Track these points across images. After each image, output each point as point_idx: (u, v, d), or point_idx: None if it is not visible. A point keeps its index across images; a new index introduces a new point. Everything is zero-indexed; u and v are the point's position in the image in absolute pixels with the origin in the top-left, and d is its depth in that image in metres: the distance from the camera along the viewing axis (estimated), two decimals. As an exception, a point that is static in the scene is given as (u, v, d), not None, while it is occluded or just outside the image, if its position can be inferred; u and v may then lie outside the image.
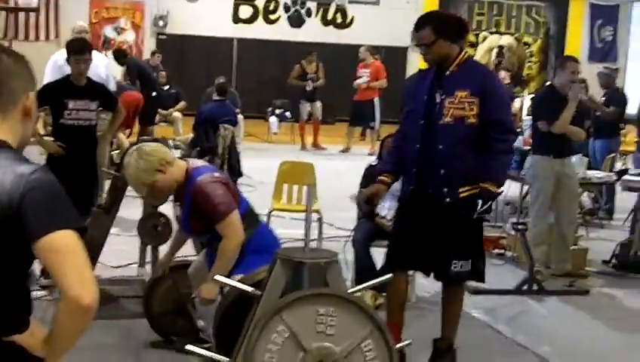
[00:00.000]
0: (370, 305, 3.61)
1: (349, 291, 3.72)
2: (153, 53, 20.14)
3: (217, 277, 4.24)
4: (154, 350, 6.14)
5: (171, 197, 5.52)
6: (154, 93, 15.74)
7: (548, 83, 9.02)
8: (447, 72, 5.63)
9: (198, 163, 5.54)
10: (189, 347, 3.76)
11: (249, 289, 3.84)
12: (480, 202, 5.54)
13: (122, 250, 8.37)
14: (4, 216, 2.57)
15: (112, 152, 12.15)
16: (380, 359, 3.49)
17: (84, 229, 2.65)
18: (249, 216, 5.43)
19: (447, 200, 5.56)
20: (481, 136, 5.55)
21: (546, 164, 8.72)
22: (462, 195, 5.56)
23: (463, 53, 5.73)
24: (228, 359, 3.68)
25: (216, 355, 3.71)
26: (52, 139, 7.76)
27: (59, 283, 2.53)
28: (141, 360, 6.01)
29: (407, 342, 4.16)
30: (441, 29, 5.63)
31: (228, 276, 4.98)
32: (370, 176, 7.32)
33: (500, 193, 5.81)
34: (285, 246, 9.00)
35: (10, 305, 2.72)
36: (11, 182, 2.58)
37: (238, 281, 4.18)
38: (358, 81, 19.04)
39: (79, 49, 7.67)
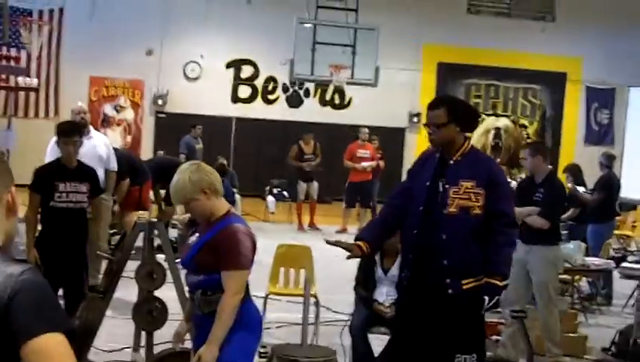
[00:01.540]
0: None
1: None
2: (193, 126, 20.84)
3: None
4: None
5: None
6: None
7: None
8: (452, 161, 5.60)
9: (239, 217, 5.50)
10: None
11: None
12: (487, 298, 5.47)
13: (116, 334, 8.28)
14: None
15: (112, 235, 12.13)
16: None
17: (72, 332, 2.58)
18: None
19: (450, 291, 5.48)
20: (484, 228, 5.49)
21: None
22: (465, 287, 5.48)
23: (466, 143, 5.71)
24: None
25: None
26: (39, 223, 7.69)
27: None
28: None
29: None
30: (455, 113, 5.62)
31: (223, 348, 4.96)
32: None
33: (505, 286, 5.72)
34: (282, 329, 9.03)
35: None
36: (0, 283, 2.52)
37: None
38: (365, 164, 19.08)
39: (68, 131, 7.71)
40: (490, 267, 5.50)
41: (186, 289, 5.56)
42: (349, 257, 5.83)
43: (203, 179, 5.16)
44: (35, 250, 7.49)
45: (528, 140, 24.62)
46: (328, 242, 5.70)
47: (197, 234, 5.40)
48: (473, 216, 5.49)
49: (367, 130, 19.76)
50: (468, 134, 5.85)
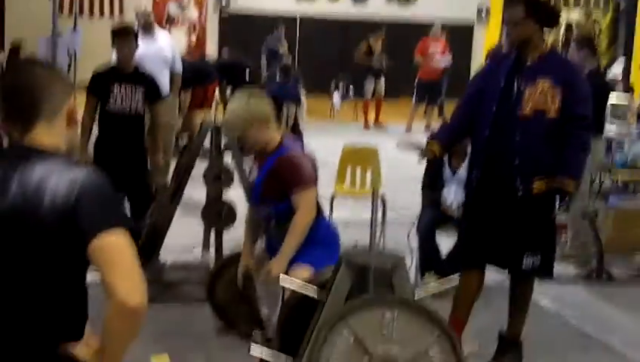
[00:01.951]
0: (436, 311, 3.50)
1: (417, 293, 3.63)
2: (276, 27, 20.53)
3: (283, 276, 4.18)
4: (216, 336, 6.14)
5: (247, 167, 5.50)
6: (248, 73, 15.74)
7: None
8: (528, 62, 5.47)
9: (294, 141, 5.54)
10: (253, 347, 3.71)
11: (314, 293, 3.77)
12: (558, 199, 5.41)
13: (186, 234, 8.37)
14: (61, 220, 2.62)
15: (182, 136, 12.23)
16: (447, 364, 3.41)
17: (136, 230, 2.65)
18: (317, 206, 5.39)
19: (520, 193, 5.42)
20: (559, 130, 5.39)
21: None
22: (535, 189, 5.41)
23: (545, 43, 5.57)
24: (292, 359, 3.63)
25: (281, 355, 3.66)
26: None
27: (107, 284, 2.55)
28: (203, 345, 6.00)
29: (474, 347, 4.05)
30: (533, 9, 5.45)
31: (294, 263, 4.96)
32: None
33: (577, 189, 5.64)
34: (350, 229, 9.05)
35: (66, 314, 2.74)
36: (66, 187, 2.63)
37: (304, 283, 4.10)
38: (440, 58, 18.75)
39: (122, 33, 7.61)
40: (563, 169, 5.41)
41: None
42: (420, 159, 5.80)
43: (254, 109, 5.21)
44: (87, 153, 7.47)
45: (600, 34, 24.13)
46: (400, 145, 5.65)
47: (256, 171, 5.44)
48: (548, 120, 5.37)
49: (439, 24, 19.30)
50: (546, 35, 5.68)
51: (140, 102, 7.55)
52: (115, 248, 2.57)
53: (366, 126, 18.93)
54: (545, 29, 5.63)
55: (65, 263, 2.68)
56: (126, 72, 7.54)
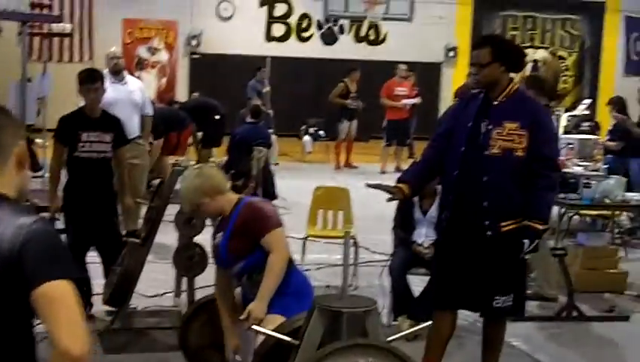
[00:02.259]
0: (408, 356, 3.51)
1: (389, 339, 3.64)
2: (258, 69, 19.90)
3: (255, 327, 4.18)
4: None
5: (211, 225, 5.53)
6: (217, 117, 15.72)
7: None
8: (495, 102, 5.53)
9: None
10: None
11: (287, 338, 3.78)
12: (527, 242, 5.45)
13: (158, 279, 8.35)
14: (5, 267, 2.61)
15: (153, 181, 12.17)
16: (420, 411, 3.42)
17: (81, 280, 2.67)
18: None
19: (489, 233, 5.46)
20: (527, 169, 5.45)
21: None
22: (504, 229, 5.46)
23: (512, 83, 5.64)
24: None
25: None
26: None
27: (50, 333, 2.55)
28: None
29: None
30: (500, 52, 5.53)
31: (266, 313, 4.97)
32: None
33: (546, 230, 5.69)
34: (322, 271, 9.07)
35: (15, 357, 2.73)
36: (12, 234, 2.63)
37: (276, 328, 4.11)
38: (407, 101, 18.89)
39: (88, 79, 7.50)
40: (531, 210, 5.46)
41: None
42: (389, 199, 5.82)
43: (204, 183, 5.31)
44: (58, 200, 7.44)
45: (566, 72, 24.39)
46: (370, 185, 5.69)
47: (219, 234, 5.45)
48: (515, 158, 5.43)
49: (405, 66, 19.47)
50: (512, 75, 5.76)
51: (109, 148, 7.50)
52: (57, 298, 2.57)
53: (337, 167, 18.97)
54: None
55: (10, 310, 2.67)
56: (94, 117, 7.47)
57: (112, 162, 7.60)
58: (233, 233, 5.28)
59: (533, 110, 5.61)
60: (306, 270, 8.82)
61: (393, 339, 3.81)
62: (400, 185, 5.79)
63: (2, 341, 2.70)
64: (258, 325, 4.71)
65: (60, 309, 2.56)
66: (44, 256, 2.61)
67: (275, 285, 5.11)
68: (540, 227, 5.47)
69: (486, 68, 5.51)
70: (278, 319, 4.97)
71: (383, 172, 18.53)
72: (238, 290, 5.65)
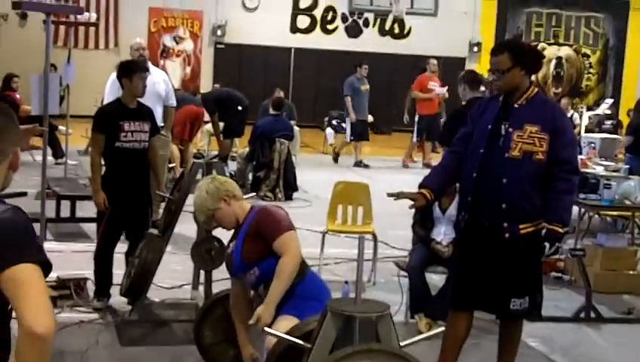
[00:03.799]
0: (416, 358, 3.51)
1: (402, 344, 3.65)
2: (359, 65, 18.58)
3: (267, 330, 4.20)
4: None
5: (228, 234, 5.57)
6: (240, 108, 15.74)
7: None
8: (516, 105, 5.53)
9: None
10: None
11: (299, 341, 3.79)
12: (547, 245, 5.43)
13: (176, 270, 8.38)
14: None
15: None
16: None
17: (48, 265, 2.78)
18: (301, 262, 5.40)
19: (507, 235, 5.46)
20: (546, 172, 5.44)
21: None
22: (522, 232, 5.45)
23: (532, 87, 5.63)
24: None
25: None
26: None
27: (17, 313, 2.66)
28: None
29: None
30: (518, 57, 5.52)
31: (279, 313, 4.97)
32: None
33: (566, 233, 5.67)
34: (341, 266, 9.08)
35: None
36: None
37: (289, 331, 4.13)
38: (440, 90, 18.51)
39: (142, 67, 7.72)
40: (551, 214, 5.45)
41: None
42: (412, 206, 5.82)
43: (219, 188, 5.39)
44: (102, 193, 7.49)
45: (590, 70, 24.28)
46: (390, 195, 5.68)
47: (232, 243, 5.51)
48: (536, 161, 5.42)
49: (435, 61, 19.22)
50: (533, 77, 5.75)
51: (147, 137, 7.58)
52: (23, 281, 2.67)
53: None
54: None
55: None
56: (132, 107, 7.55)
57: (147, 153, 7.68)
58: (246, 238, 5.33)
59: (554, 113, 5.60)
60: (325, 264, 8.89)
61: (406, 345, 3.81)
62: (422, 190, 5.78)
63: None
64: (269, 327, 4.72)
65: (26, 291, 2.67)
66: (10, 243, 2.72)
67: (284, 288, 5.12)
68: (560, 230, 5.45)
69: (507, 74, 5.50)
70: (292, 321, 4.99)
71: (406, 166, 18.46)
72: None
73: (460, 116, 9.36)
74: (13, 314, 2.82)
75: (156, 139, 7.90)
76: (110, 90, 9.61)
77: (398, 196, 5.67)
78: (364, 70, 18.31)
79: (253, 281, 5.39)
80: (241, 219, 5.41)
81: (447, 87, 18.37)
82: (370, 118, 18.81)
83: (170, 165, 12.58)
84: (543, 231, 5.43)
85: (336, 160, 18.47)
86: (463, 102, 8.78)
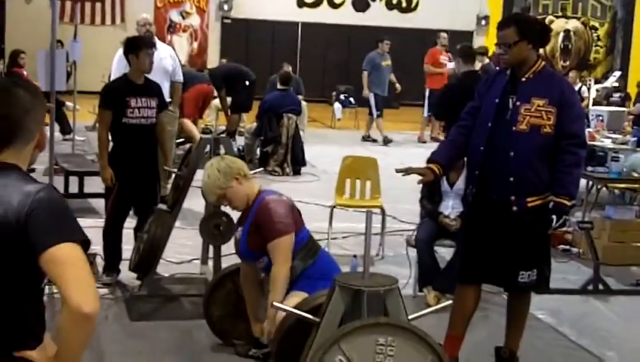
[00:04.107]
0: (429, 335, 3.52)
1: (410, 317, 3.65)
2: (381, 41, 18.25)
3: (276, 304, 4.22)
4: (213, 353, 6.12)
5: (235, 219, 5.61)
6: (247, 83, 15.71)
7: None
8: (524, 79, 5.52)
9: (270, 190, 5.68)
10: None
11: (308, 316, 3.80)
12: (554, 218, 5.44)
13: (185, 245, 8.41)
14: (13, 233, 2.72)
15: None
16: (439, 389, 3.44)
17: (88, 242, 2.78)
18: (310, 245, 5.51)
19: (515, 208, 5.46)
20: (553, 147, 5.44)
21: None
22: (529, 205, 5.45)
23: (539, 60, 5.61)
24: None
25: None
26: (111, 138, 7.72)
27: (61, 293, 2.65)
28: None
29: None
30: (525, 30, 5.50)
31: (290, 290, 5.06)
32: None
33: (573, 206, 5.66)
34: (349, 239, 9.09)
35: (23, 320, 2.83)
36: (19, 201, 2.74)
37: (297, 306, 4.14)
38: (451, 65, 18.16)
39: (148, 43, 7.67)
40: (558, 187, 5.44)
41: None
42: (420, 181, 5.81)
43: (230, 166, 5.44)
44: (110, 169, 7.50)
45: (598, 43, 24.17)
46: (399, 170, 5.67)
47: (240, 228, 5.57)
48: (543, 135, 5.40)
49: (446, 35, 19.08)
50: (541, 51, 5.73)
51: (154, 113, 7.57)
52: (65, 260, 2.67)
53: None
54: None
55: (18, 273, 2.77)
56: (139, 83, 7.55)
57: (155, 129, 7.67)
58: (250, 229, 5.41)
59: (562, 87, 5.58)
60: (333, 239, 8.91)
61: (414, 318, 3.82)
62: (430, 165, 5.78)
63: (11, 300, 2.80)
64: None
65: (70, 270, 2.67)
66: (49, 222, 2.72)
67: (281, 296, 5.18)
68: (567, 203, 5.45)
69: (514, 47, 5.49)
70: (302, 296, 5.02)
71: (423, 141, 18.35)
72: None
73: (450, 92, 9.51)
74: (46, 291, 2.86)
75: (164, 115, 7.90)
76: (117, 66, 9.62)
77: (407, 171, 5.66)
78: (385, 45, 18.17)
79: (262, 267, 5.49)
80: (251, 199, 5.45)
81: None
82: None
83: (178, 140, 12.57)
84: (551, 204, 5.43)
85: (368, 138, 18.42)
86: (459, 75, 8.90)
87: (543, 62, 5.70)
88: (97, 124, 8.54)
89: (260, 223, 5.32)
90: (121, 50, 9.07)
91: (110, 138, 7.64)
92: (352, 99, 20.60)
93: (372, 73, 17.78)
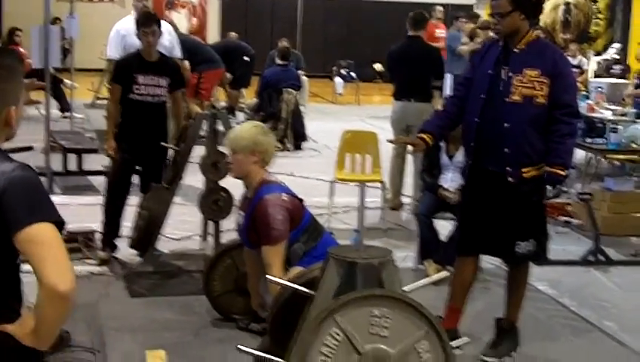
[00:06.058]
0: (424, 306, 3.52)
1: (406, 288, 3.65)
2: (456, 18, 16.66)
3: (271, 278, 4.23)
4: (214, 328, 6.15)
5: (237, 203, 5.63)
6: (246, 58, 15.63)
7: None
8: (516, 50, 5.51)
9: (274, 178, 5.60)
10: (242, 348, 3.76)
11: (302, 289, 3.81)
12: (549, 188, 5.45)
13: (185, 221, 8.42)
14: None
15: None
16: (435, 360, 3.44)
17: (62, 223, 2.76)
18: (312, 228, 5.54)
19: (510, 179, 5.47)
20: (547, 118, 5.44)
21: None
22: (525, 175, 5.46)
23: (531, 31, 5.60)
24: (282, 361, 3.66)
25: (270, 357, 3.70)
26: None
27: (37, 272, 2.65)
28: (201, 338, 6.00)
29: (464, 341, 4.07)
30: (518, 1, 5.49)
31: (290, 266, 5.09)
32: None
33: (567, 176, 5.67)
34: (349, 213, 9.10)
35: (1, 295, 2.84)
36: None
37: (292, 278, 4.15)
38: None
39: (145, 21, 7.56)
40: (553, 156, 5.45)
41: None
42: (413, 151, 5.83)
43: (262, 143, 5.47)
44: (113, 141, 7.49)
45: (598, 15, 24.07)
46: (390, 141, 5.68)
47: (242, 217, 5.61)
48: (537, 105, 5.41)
49: (441, 8, 19.05)
50: (541, 24, 5.72)
51: (164, 92, 7.55)
52: (41, 240, 2.66)
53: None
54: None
55: None
56: (151, 61, 7.51)
57: (165, 106, 7.67)
58: (250, 223, 5.45)
59: (554, 58, 5.58)
60: (334, 213, 8.92)
61: (411, 290, 3.82)
62: (422, 135, 5.79)
63: None
64: None
65: (45, 250, 2.66)
66: (24, 202, 2.70)
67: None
68: (562, 173, 5.46)
69: (507, 17, 5.48)
70: (295, 270, 5.05)
71: None
72: None
73: (389, 56, 10.17)
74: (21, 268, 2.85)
75: (179, 94, 7.87)
76: (113, 42, 9.59)
77: (398, 141, 5.69)
78: (463, 23, 16.25)
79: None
80: (252, 185, 5.50)
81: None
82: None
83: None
84: (545, 174, 5.44)
85: None
86: None
87: (535, 32, 5.70)
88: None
89: (257, 223, 5.36)
90: (116, 27, 9.06)
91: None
92: (353, 73, 20.56)
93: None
